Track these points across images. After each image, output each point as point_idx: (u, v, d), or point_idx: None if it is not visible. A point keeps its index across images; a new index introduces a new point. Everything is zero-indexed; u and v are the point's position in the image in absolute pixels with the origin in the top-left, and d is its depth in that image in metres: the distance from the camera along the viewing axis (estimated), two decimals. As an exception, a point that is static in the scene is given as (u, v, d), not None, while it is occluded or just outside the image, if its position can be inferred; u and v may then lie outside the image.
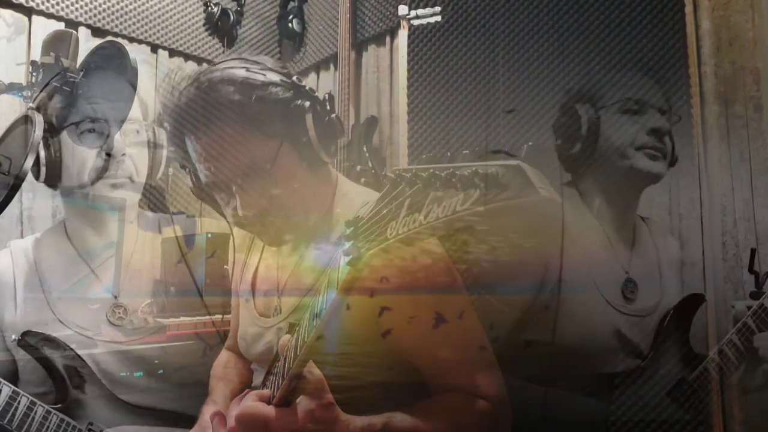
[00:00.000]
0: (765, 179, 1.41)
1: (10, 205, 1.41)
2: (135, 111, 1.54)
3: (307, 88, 1.09)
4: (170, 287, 1.59)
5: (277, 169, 1.05)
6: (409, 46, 1.82)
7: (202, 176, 1.10)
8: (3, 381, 1.30)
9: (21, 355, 1.43)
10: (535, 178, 0.55)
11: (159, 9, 2.12)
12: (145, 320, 1.52)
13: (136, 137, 1.55)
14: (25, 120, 1.35)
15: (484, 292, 1.24)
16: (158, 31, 2.11)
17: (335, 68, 2.21)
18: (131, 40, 2.04)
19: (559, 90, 1.48)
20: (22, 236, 1.70)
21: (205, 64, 2.26)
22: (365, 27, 2.15)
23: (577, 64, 1.55)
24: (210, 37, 2.25)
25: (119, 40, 1.92)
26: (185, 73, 1.09)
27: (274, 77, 1.06)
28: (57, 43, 1.50)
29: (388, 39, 2.10)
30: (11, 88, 1.48)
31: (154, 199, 1.73)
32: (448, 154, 0.58)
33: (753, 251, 1.34)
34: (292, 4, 2.40)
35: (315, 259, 1.10)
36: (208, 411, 1.22)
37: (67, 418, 1.36)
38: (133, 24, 2.05)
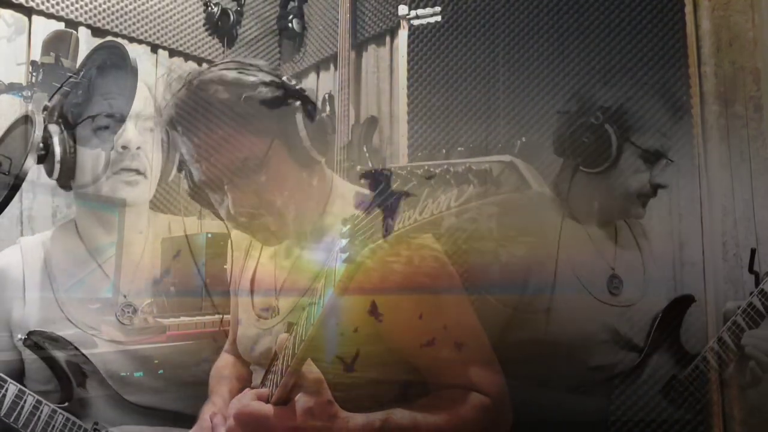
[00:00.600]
0: (765, 179, 1.41)
1: (10, 205, 1.42)
2: (149, 109, 1.54)
3: (297, 87, 1.10)
4: (170, 287, 1.59)
5: (267, 167, 1.05)
6: (409, 46, 1.82)
7: (195, 176, 1.11)
8: (9, 380, 1.30)
9: (28, 354, 1.43)
10: (528, 173, 0.56)
11: (159, 9, 2.12)
12: (145, 320, 1.52)
13: (151, 135, 1.56)
14: (25, 120, 1.35)
15: (481, 292, 1.24)
16: (158, 31, 2.11)
17: (335, 68, 2.21)
18: (131, 40, 2.04)
19: (566, 93, 1.48)
20: (21, 236, 1.70)
21: (204, 65, 2.27)
22: (365, 27, 2.15)
23: (577, 64, 1.55)
24: (210, 37, 2.25)
25: (119, 40, 1.92)
26: (178, 75, 1.11)
27: (265, 77, 1.07)
28: (57, 43, 1.51)
29: (388, 39, 2.10)
30: (11, 88, 1.48)
31: (165, 201, 1.73)
32: (443, 151, 0.59)
33: (753, 251, 1.34)
34: (292, 4, 2.40)
35: (312, 259, 1.10)
36: (208, 411, 1.22)
37: (72, 417, 1.36)
38: (133, 24, 2.05)
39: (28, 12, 1.84)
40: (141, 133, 1.52)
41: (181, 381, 1.50)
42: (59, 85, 1.43)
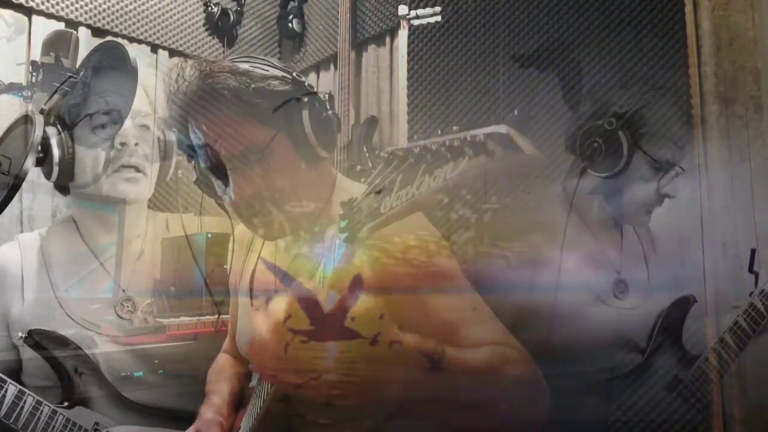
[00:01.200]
0: (765, 179, 1.41)
1: (10, 205, 1.41)
2: (144, 105, 1.54)
3: (306, 84, 1.12)
4: (170, 287, 1.59)
5: (270, 157, 1.07)
6: (409, 46, 1.82)
7: (201, 162, 1.13)
8: (9, 380, 1.30)
9: (26, 351, 1.42)
10: (520, 140, 0.57)
11: (159, 9, 2.12)
12: (145, 320, 1.52)
13: (147, 132, 1.56)
14: (25, 120, 1.35)
15: (482, 292, 1.24)
16: (158, 31, 2.11)
17: (335, 68, 2.21)
18: (131, 40, 2.04)
19: (578, 92, 1.47)
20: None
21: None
22: (365, 27, 2.15)
23: (576, 64, 1.55)
24: (210, 37, 2.25)
25: (119, 40, 1.92)
26: (189, 63, 1.12)
27: (276, 72, 1.09)
28: (57, 43, 1.50)
29: (388, 39, 2.10)
30: (11, 88, 1.48)
31: (163, 199, 1.74)
32: (439, 131, 0.60)
33: (753, 251, 1.34)
34: (292, 4, 2.40)
35: (311, 256, 1.11)
36: (206, 412, 1.22)
37: (72, 418, 1.35)
38: (133, 24, 2.05)
39: (28, 12, 1.84)
40: (138, 129, 1.52)
41: (180, 381, 1.50)
42: (56, 88, 1.44)
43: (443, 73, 1.76)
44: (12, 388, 1.29)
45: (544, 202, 1.45)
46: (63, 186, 1.56)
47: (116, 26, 2.00)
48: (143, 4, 2.07)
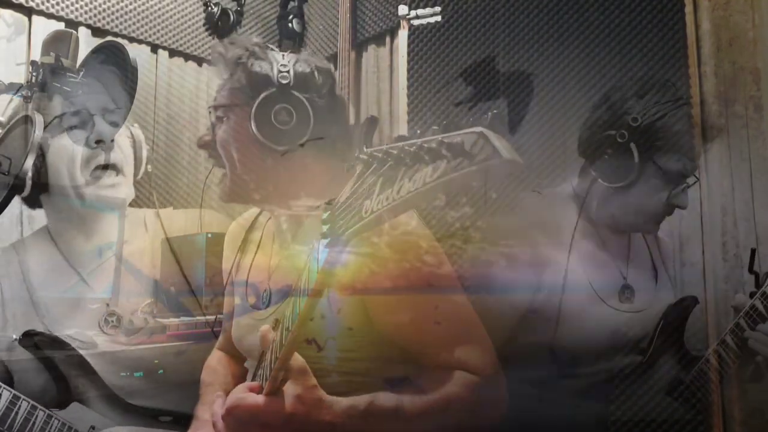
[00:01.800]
0: (765, 179, 1.41)
1: (10, 205, 1.41)
2: (109, 103, 1.51)
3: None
4: (170, 287, 1.59)
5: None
6: (409, 46, 1.82)
7: (219, 132, 1.19)
8: (3, 385, 1.29)
9: (16, 360, 1.40)
10: (498, 142, 0.56)
11: (159, 9, 2.12)
12: (145, 320, 1.52)
13: (117, 129, 1.53)
14: (25, 120, 1.35)
15: (483, 293, 1.24)
16: (158, 31, 2.11)
17: (335, 68, 2.20)
18: (131, 40, 2.04)
19: (594, 96, 1.46)
20: (22, 236, 1.70)
21: (204, 65, 2.26)
22: (365, 27, 2.15)
23: (577, 64, 1.55)
24: (210, 37, 2.25)
25: (119, 40, 1.92)
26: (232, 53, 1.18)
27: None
28: (57, 43, 1.50)
29: (388, 39, 2.10)
30: (11, 88, 1.48)
31: (140, 195, 1.72)
32: (418, 131, 0.59)
33: (753, 251, 1.34)
34: (292, 4, 2.40)
35: (303, 251, 1.12)
36: (201, 411, 1.22)
37: (68, 422, 1.34)
38: (133, 24, 2.04)
39: (28, 12, 1.83)
40: (110, 127, 1.49)
41: (180, 380, 1.50)
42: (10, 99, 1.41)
43: (443, 73, 1.76)
44: (6, 393, 1.28)
45: (553, 202, 1.45)
46: (33, 200, 1.52)
47: (116, 26, 2.00)
48: (143, 4, 2.07)
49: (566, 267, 1.34)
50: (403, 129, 1.84)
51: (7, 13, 1.81)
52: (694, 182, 1.38)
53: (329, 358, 1.04)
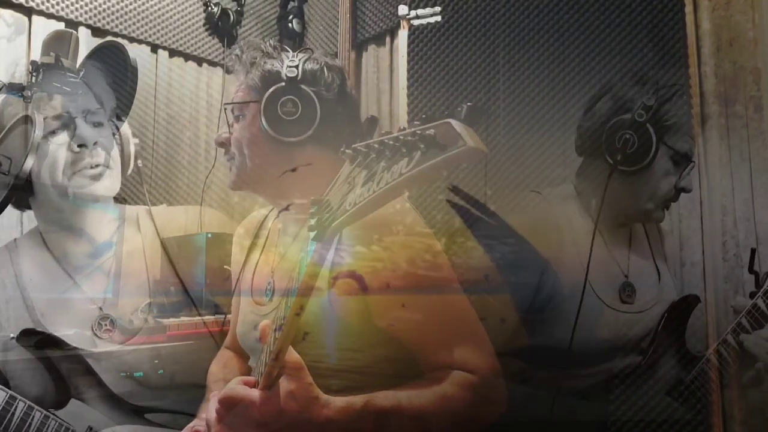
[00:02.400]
0: (765, 179, 1.41)
1: (10, 205, 1.41)
2: (92, 103, 1.48)
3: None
4: (170, 287, 1.59)
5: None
6: (409, 46, 1.82)
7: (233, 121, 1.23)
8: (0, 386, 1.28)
9: (11, 360, 1.39)
10: (464, 132, 0.59)
11: (159, 9, 2.12)
12: (145, 320, 1.52)
13: (103, 129, 1.50)
14: (25, 120, 1.35)
15: (483, 292, 1.24)
16: (158, 31, 2.11)
17: (335, 68, 2.20)
18: (131, 40, 2.04)
19: (592, 89, 1.46)
20: (22, 236, 1.69)
21: (205, 64, 2.26)
22: (365, 27, 2.15)
23: (577, 64, 1.55)
24: (210, 37, 2.25)
25: (119, 40, 1.92)
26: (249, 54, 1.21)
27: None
28: (57, 43, 1.50)
29: (388, 39, 2.10)
30: (11, 88, 1.47)
31: (129, 192, 1.71)
32: (401, 126, 0.62)
33: (753, 251, 1.34)
34: (292, 4, 2.40)
35: (295, 256, 1.12)
36: (206, 409, 1.22)
37: (66, 423, 1.33)
38: (133, 24, 2.04)
39: (28, 12, 1.83)
40: (93, 128, 1.46)
41: (181, 381, 1.50)
42: None
43: (443, 73, 1.76)
44: (2, 394, 1.27)
45: (553, 202, 1.45)
46: (21, 202, 1.49)
47: (116, 26, 2.00)
48: (143, 4, 2.07)
49: (566, 267, 1.34)
50: (403, 129, 1.84)
51: (7, 13, 1.81)
52: (694, 165, 1.39)
53: (329, 356, 1.04)
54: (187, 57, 2.21)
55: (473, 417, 1.00)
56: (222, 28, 2.25)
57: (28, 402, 1.30)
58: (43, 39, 1.54)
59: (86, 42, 1.88)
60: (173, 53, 2.17)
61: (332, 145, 1.11)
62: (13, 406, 1.28)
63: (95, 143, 1.45)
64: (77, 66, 1.51)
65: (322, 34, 2.34)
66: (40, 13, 1.84)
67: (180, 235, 1.63)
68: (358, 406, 0.90)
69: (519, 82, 1.63)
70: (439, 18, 1.77)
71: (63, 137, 1.42)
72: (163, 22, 2.12)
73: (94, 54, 1.53)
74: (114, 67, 1.50)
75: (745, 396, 1.35)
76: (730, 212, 1.44)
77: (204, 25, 2.24)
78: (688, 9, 1.48)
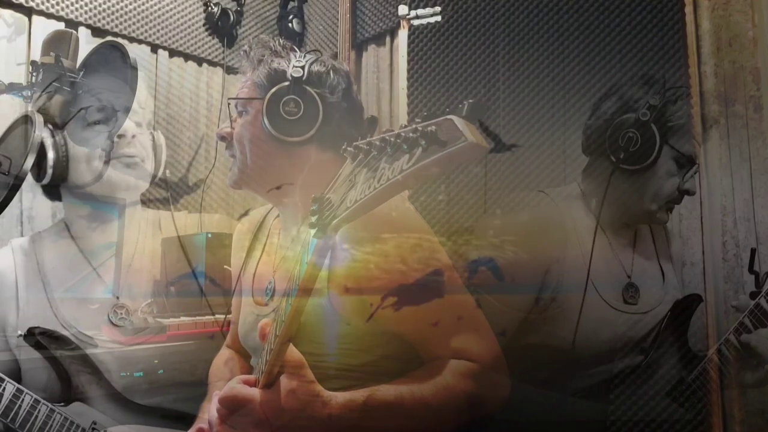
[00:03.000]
0: (765, 179, 1.41)
1: (10, 205, 1.41)
2: (134, 104, 1.54)
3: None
4: (170, 287, 1.59)
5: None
6: (409, 46, 1.82)
7: (237, 115, 1.23)
8: (6, 378, 1.30)
9: (24, 356, 1.42)
10: (465, 128, 0.59)
11: (159, 9, 2.12)
12: (145, 320, 1.52)
13: (140, 129, 1.58)
14: (25, 120, 1.35)
15: (484, 293, 1.24)
16: (158, 31, 2.11)
17: (335, 68, 2.20)
18: (131, 40, 2.04)
19: (601, 89, 1.46)
20: (21, 236, 1.70)
21: (205, 64, 2.26)
22: (365, 27, 2.15)
23: (577, 64, 1.55)
24: (210, 37, 2.25)
25: (119, 40, 1.92)
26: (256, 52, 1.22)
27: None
28: (57, 43, 1.50)
29: (388, 39, 2.10)
30: (11, 88, 1.48)
31: (154, 197, 1.74)
32: (401, 124, 0.63)
33: (753, 251, 1.34)
34: (292, 4, 2.40)
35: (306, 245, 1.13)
36: (207, 409, 1.22)
37: (70, 417, 1.35)
38: (133, 24, 2.04)
39: (28, 12, 1.83)
40: (132, 125, 1.54)
41: (181, 381, 1.50)
42: (43, 89, 1.43)
43: (443, 73, 1.76)
44: (10, 387, 1.30)
45: (559, 202, 1.45)
46: (53, 191, 1.55)
47: (116, 26, 2.00)
48: (143, 4, 2.07)
49: (570, 266, 1.34)
50: (403, 129, 1.84)
51: (7, 13, 1.81)
52: (697, 169, 1.39)
53: (329, 356, 1.04)
54: (187, 57, 2.21)
55: (476, 405, 0.99)
56: (222, 28, 2.25)
57: (35, 396, 1.32)
58: (43, 39, 1.55)
59: (86, 42, 1.88)
60: (173, 53, 2.17)
61: (334, 148, 1.11)
62: (20, 399, 1.30)
63: (133, 136, 1.54)
64: (77, 66, 1.51)
65: (322, 34, 2.34)
66: (40, 13, 1.84)
67: (179, 235, 1.64)
68: (360, 401, 0.90)
69: (519, 82, 1.63)
70: (439, 18, 1.77)
71: (103, 128, 1.49)
72: (163, 22, 2.12)
73: (96, 53, 1.53)
74: (99, 65, 1.51)
75: (745, 396, 1.35)
76: (730, 212, 1.44)
77: (204, 25, 2.24)
78: (688, 9, 1.48)
